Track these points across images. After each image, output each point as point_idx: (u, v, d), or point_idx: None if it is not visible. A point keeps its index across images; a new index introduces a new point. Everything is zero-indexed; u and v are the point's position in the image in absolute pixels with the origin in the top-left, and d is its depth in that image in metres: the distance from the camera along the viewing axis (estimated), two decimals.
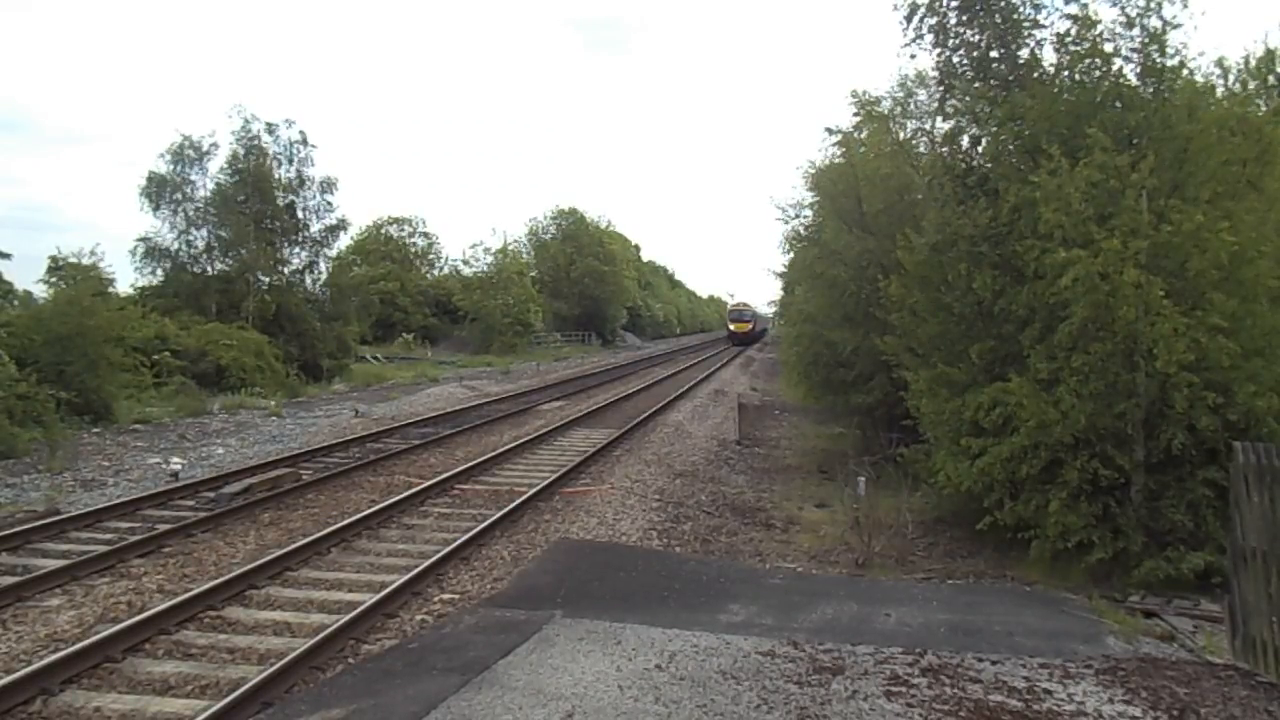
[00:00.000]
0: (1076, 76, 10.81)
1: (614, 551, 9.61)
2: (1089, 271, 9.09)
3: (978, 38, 11.77)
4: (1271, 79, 15.16)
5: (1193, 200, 9.48)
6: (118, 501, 11.22)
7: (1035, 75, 11.26)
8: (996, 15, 11.54)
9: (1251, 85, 14.43)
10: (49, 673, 5.75)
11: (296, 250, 34.96)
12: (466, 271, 61.96)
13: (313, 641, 6.35)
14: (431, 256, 66.22)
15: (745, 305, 76.40)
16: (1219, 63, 11.28)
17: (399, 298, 55.07)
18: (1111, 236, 9.12)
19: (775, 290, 42.16)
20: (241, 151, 33.43)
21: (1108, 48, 10.51)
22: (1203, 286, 9.34)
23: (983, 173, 11.72)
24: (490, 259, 60.54)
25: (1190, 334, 8.86)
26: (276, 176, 34.14)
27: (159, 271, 32.00)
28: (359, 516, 10.26)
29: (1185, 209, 9.21)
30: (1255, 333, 9.35)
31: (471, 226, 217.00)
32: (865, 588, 8.50)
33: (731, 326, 75.77)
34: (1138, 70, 10.44)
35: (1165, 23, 10.12)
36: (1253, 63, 14.53)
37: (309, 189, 34.89)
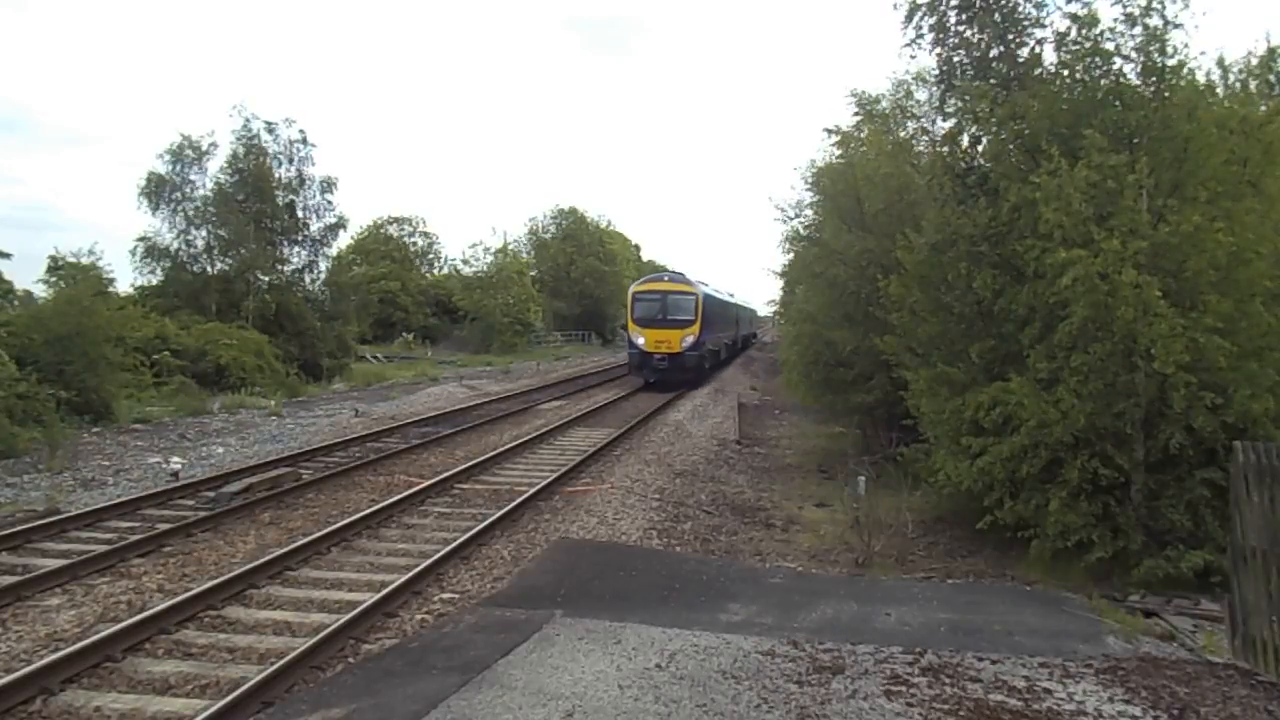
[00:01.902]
0: (1077, 75, 10.81)
1: (614, 551, 9.61)
2: (1088, 272, 9.10)
3: (978, 37, 11.78)
4: (1272, 78, 15.14)
5: (1192, 200, 9.48)
6: (118, 501, 11.22)
7: (1036, 74, 11.26)
8: (996, 14, 11.54)
9: (1253, 85, 14.41)
10: (49, 672, 5.75)
11: (296, 250, 35.01)
12: (466, 271, 62.09)
13: (313, 641, 6.35)
14: (431, 256, 66.41)
15: (682, 285, 30.84)
16: (1219, 62, 11.26)
17: (399, 297, 55.16)
18: (1111, 237, 9.12)
19: (775, 290, 41.94)
20: (242, 151, 33.47)
21: (1108, 46, 10.51)
22: (1200, 286, 9.34)
23: (983, 172, 11.72)
24: (490, 258, 60.61)
25: (1187, 334, 8.86)
26: (276, 176, 34.16)
27: (159, 271, 32.02)
28: (359, 516, 10.26)
29: (1184, 209, 9.22)
30: (1252, 334, 9.35)
31: (471, 226, 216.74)
32: (865, 587, 8.50)
33: (639, 340, 29.65)
34: (1138, 69, 10.43)
35: (1167, 22, 10.12)
36: (1254, 62, 14.51)
37: (309, 188, 34.91)
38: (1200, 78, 10.72)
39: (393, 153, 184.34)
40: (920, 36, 12.17)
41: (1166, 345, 8.76)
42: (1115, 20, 10.43)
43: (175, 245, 32.07)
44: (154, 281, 31.97)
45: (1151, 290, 8.91)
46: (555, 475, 13.21)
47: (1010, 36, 11.52)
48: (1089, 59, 10.58)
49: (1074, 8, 10.89)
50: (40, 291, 26.18)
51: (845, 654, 6.12)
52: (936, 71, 12.90)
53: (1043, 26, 11.47)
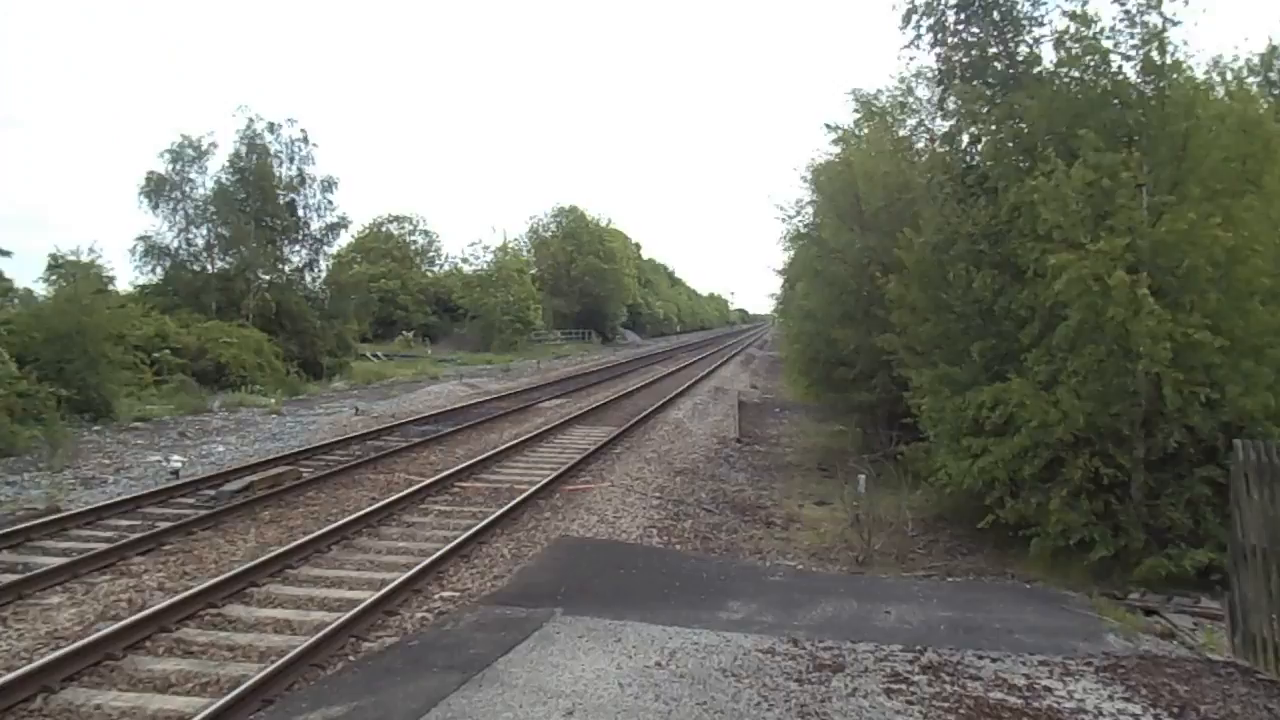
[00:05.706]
0: (1075, 74, 10.79)
1: (614, 549, 9.62)
2: (1081, 275, 9.08)
3: (977, 36, 11.75)
4: (1273, 75, 15.13)
5: (1191, 198, 9.47)
6: (118, 499, 11.22)
7: (1034, 73, 11.24)
8: (995, 13, 11.52)
9: (1252, 82, 14.40)
10: (50, 670, 5.75)
11: (297, 248, 35.05)
12: (466, 269, 62.12)
13: (313, 639, 6.34)
14: (432, 254, 66.34)
15: None
16: (1217, 61, 11.25)
17: (399, 295, 55.16)
18: (1105, 238, 9.10)
19: (776, 288, 41.87)
20: (243, 150, 33.50)
21: (1107, 44, 10.50)
22: (1198, 284, 9.32)
23: (982, 171, 11.71)
24: (490, 257, 60.61)
25: (1174, 331, 8.81)
26: (277, 175, 34.21)
27: (159, 270, 32.10)
28: (359, 514, 10.26)
29: (1181, 206, 9.20)
30: (1249, 331, 9.33)
31: (471, 225, 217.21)
32: (865, 585, 8.51)
33: None
34: (1137, 68, 10.42)
35: (1165, 19, 10.11)
36: (1253, 60, 14.52)
37: (310, 187, 34.95)
38: (1199, 75, 10.72)
39: (393, 152, 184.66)
40: (919, 37, 12.14)
41: (1153, 345, 8.74)
42: (1114, 19, 10.44)
43: (175, 244, 32.17)
44: (154, 280, 32.04)
45: (1139, 289, 8.89)
46: (556, 474, 13.21)
47: (1009, 35, 11.51)
48: (1087, 57, 10.57)
49: (1073, 6, 10.90)
50: (41, 290, 26.17)
51: (845, 652, 6.13)
52: (936, 70, 12.87)
53: (1041, 25, 11.45)
